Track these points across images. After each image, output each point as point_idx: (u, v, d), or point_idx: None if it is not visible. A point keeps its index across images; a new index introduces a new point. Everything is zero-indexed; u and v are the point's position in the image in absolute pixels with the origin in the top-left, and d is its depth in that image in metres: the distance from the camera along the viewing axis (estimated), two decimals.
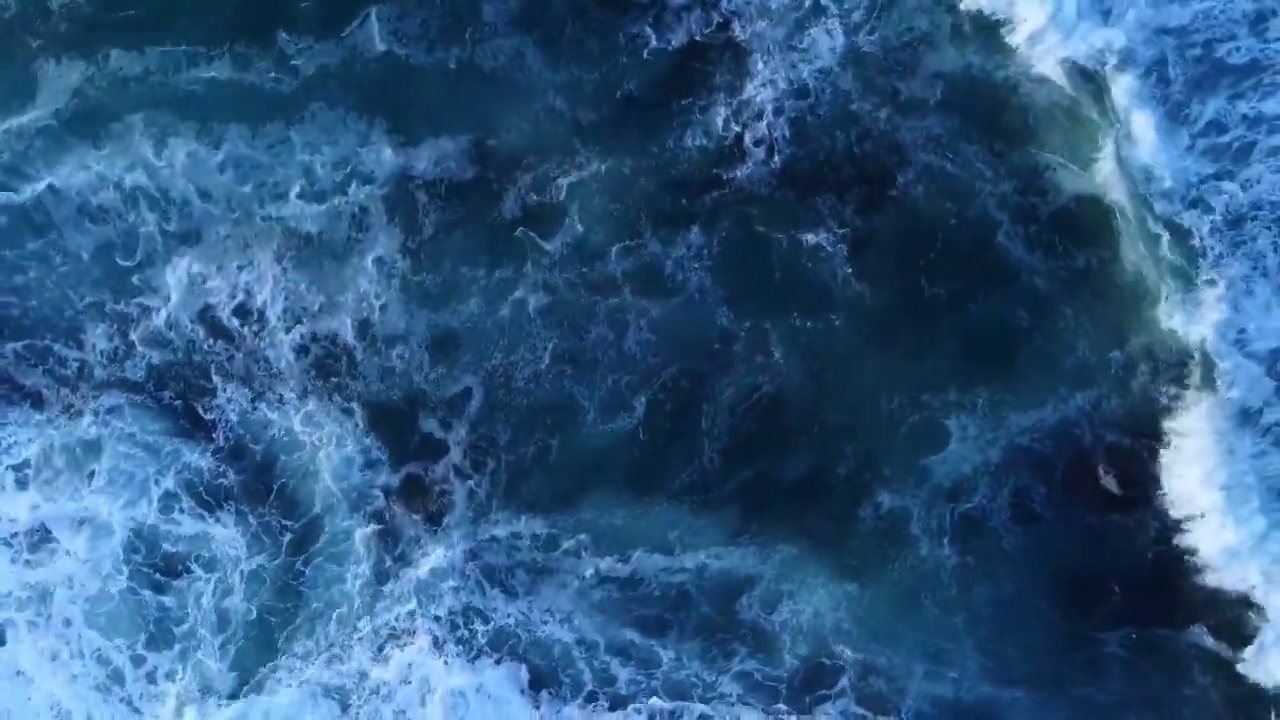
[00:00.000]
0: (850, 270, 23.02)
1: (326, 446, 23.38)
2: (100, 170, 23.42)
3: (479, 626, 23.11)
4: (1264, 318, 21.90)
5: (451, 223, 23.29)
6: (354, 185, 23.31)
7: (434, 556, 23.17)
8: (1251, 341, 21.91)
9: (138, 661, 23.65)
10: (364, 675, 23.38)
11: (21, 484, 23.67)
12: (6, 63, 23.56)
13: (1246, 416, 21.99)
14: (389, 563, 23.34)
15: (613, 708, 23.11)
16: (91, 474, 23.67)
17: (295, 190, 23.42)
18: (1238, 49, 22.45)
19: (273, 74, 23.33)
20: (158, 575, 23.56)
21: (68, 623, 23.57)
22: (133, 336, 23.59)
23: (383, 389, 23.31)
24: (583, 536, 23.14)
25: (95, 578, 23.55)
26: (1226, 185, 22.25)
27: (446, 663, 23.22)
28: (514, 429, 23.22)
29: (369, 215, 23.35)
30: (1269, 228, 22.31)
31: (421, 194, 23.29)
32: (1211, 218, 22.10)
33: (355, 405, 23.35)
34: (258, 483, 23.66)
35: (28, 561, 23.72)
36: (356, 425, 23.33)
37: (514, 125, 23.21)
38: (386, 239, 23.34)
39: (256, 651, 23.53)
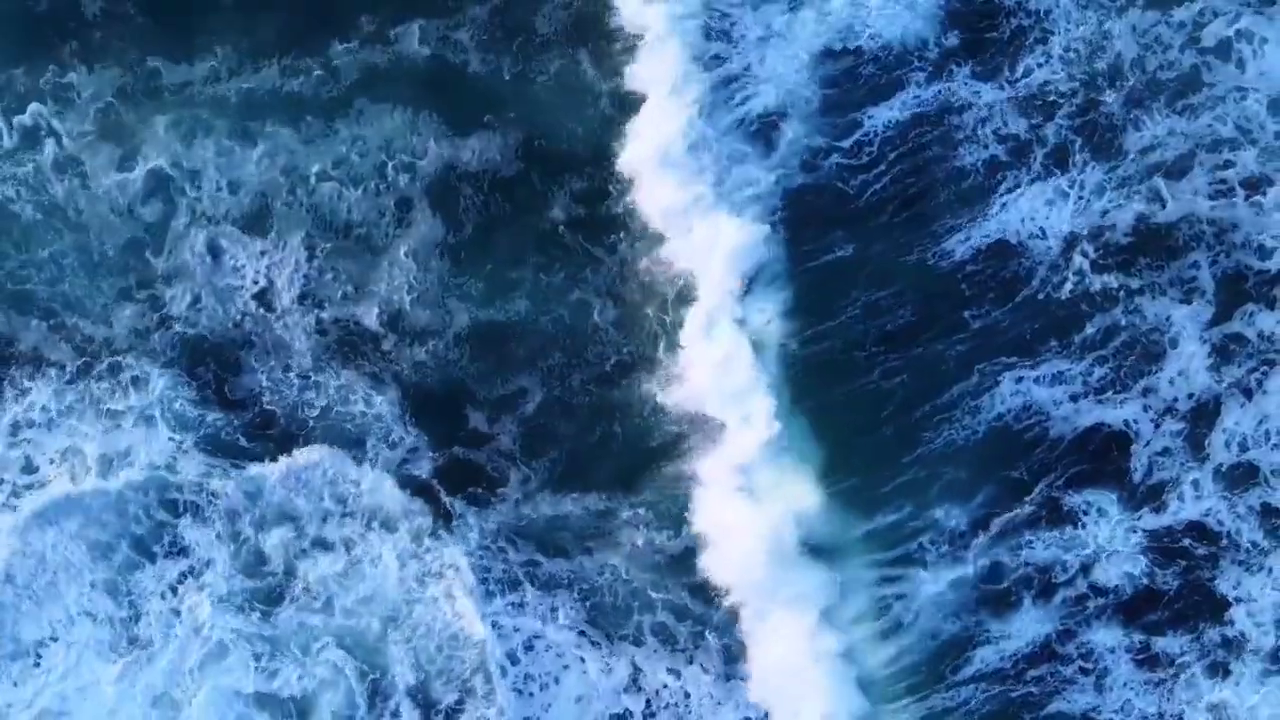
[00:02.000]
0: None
1: (361, 429, 23.89)
2: (134, 167, 24.08)
3: (526, 577, 23.66)
4: None
5: (496, 220, 24.17)
6: (394, 175, 24.05)
7: (477, 524, 23.71)
8: None
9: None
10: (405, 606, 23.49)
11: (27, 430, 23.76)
12: (39, 64, 24.30)
13: None
14: (426, 533, 23.67)
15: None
16: (110, 454, 23.77)
17: (331, 178, 24.12)
18: (1171, 64, 23.44)
19: (319, 81, 24.19)
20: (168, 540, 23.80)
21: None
22: (160, 314, 24.06)
23: (424, 379, 23.98)
24: (641, 511, 23.80)
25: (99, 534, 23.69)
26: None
27: (490, 591, 23.56)
28: (575, 423, 23.94)
29: (408, 207, 24.14)
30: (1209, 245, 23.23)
31: (465, 187, 24.09)
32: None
33: (395, 392, 23.94)
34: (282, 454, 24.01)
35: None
36: (394, 410, 23.89)
37: (565, 127, 24.23)
38: (426, 230, 24.08)
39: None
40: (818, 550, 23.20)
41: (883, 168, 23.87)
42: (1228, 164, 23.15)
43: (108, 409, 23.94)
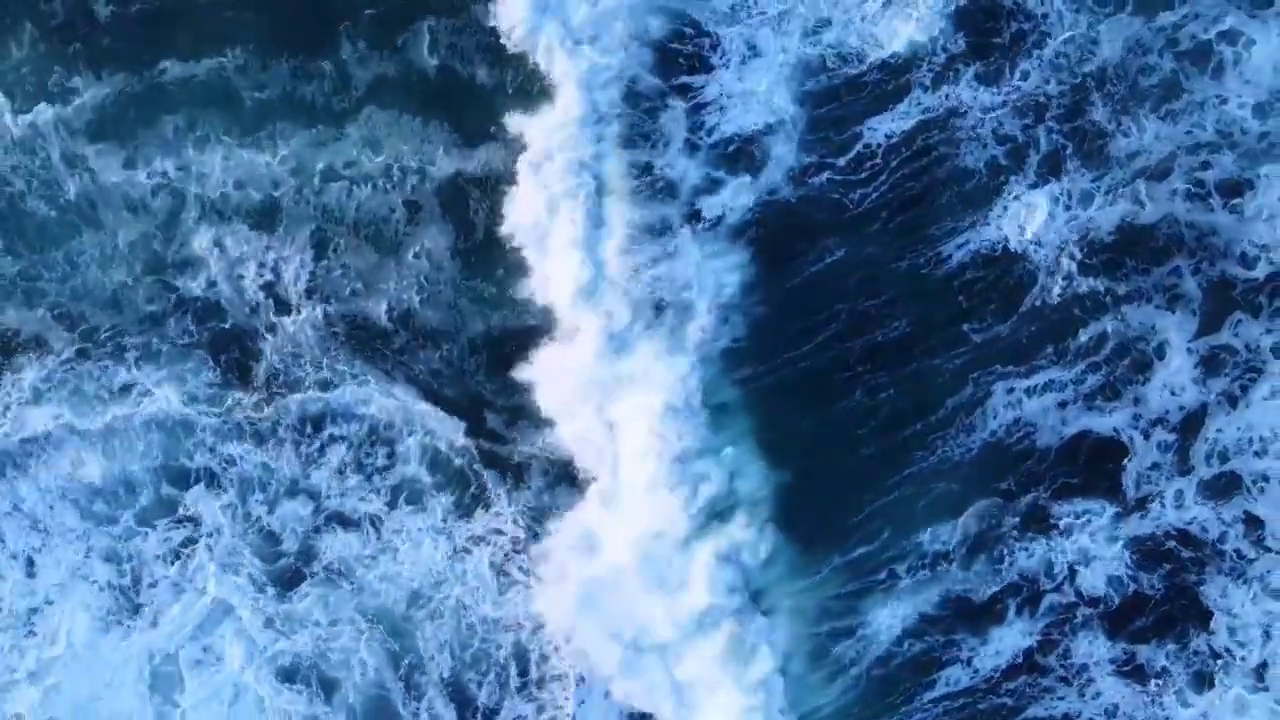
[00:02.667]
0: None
1: (384, 420, 24.13)
2: (143, 166, 24.26)
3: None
4: None
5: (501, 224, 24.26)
6: (403, 179, 24.15)
7: (509, 507, 23.97)
8: None
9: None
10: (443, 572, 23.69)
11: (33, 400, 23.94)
12: (50, 67, 24.30)
13: None
14: (453, 513, 24.09)
15: None
16: (113, 429, 24.09)
17: (341, 178, 24.23)
18: (1152, 68, 23.45)
19: (329, 84, 24.25)
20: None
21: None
22: (171, 300, 24.35)
23: (436, 376, 24.28)
24: None
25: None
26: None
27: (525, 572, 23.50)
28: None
29: (417, 210, 24.32)
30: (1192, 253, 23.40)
31: (473, 190, 24.16)
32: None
33: (417, 388, 24.26)
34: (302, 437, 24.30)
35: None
36: (409, 401, 24.14)
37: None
38: (436, 232, 24.27)
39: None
40: (761, 596, 23.49)
41: (884, 177, 24.04)
42: (1205, 165, 23.39)
43: (112, 392, 24.08)
